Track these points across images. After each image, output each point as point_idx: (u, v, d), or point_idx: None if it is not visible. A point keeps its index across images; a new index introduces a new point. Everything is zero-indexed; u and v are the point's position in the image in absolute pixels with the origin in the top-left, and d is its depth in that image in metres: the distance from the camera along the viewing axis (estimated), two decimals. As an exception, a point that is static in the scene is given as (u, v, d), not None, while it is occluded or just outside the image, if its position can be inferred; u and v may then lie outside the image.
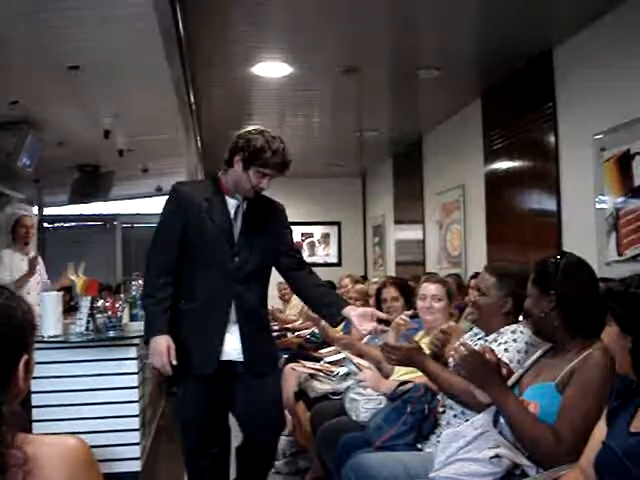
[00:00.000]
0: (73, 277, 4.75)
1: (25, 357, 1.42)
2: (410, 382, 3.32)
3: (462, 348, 2.33)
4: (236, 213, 3.27)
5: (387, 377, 3.77)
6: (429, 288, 3.90)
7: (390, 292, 4.63)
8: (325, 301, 3.40)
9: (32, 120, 5.96)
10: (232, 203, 3.27)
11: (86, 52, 4.58)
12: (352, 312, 3.23)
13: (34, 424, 4.11)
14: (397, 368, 3.72)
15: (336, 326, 3.63)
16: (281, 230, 3.45)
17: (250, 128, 3.22)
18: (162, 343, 3.07)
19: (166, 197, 3.35)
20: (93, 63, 4.76)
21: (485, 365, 2.27)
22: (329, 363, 4.77)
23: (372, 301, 5.13)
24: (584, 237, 4.91)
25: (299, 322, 7.86)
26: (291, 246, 3.51)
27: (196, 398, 3.22)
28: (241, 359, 3.20)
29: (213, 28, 4.99)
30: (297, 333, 7.38)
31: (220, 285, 3.21)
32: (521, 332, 2.82)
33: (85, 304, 4.42)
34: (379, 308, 4.48)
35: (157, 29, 4.20)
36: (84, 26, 4.18)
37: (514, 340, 2.79)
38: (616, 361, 1.91)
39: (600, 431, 1.91)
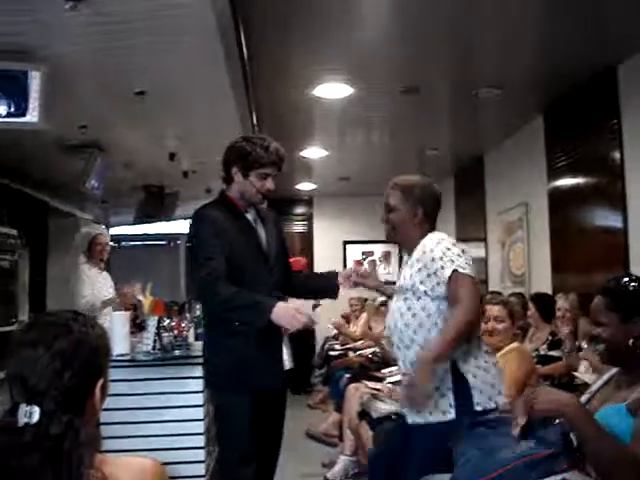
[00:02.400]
0: (140, 297, 4.85)
1: (101, 381, 1.47)
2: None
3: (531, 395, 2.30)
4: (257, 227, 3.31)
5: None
6: (491, 310, 3.87)
7: None
8: (321, 280, 3.52)
9: (100, 143, 6.12)
10: (250, 218, 3.29)
11: (152, 78, 4.69)
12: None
13: (101, 441, 4.18)
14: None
15: (335, 296, 3.50)
16: (283, 237, 3.53)
17: (231, 142, 3.26)
18: (285, 304, 3.03)
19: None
20: (159, 88, 4.87)
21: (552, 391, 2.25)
22: (391, 384, 4.76)
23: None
24: (652, 256, 4.82)
25: (361, 342, 7.85)
26: (287, 251, 3.58)
27: (257, 416, 3.18)
28: (292, 367, 3.29)
29: (275, 50, 5.08)
30: (359, 352, 7.37)
31: None
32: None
33: (152, 323, 4.50)
34: None
35: (221, 54, 4.29)
36: (150, 53, 4.28)
37: (432, 259, 2.82)
38: None
39: None
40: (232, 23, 4.07)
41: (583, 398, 2.46)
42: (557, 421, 2.26)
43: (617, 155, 5.35)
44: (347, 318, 9.46)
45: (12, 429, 1.38)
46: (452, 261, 2.76)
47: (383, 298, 8.06)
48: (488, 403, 2.79)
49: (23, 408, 1.38)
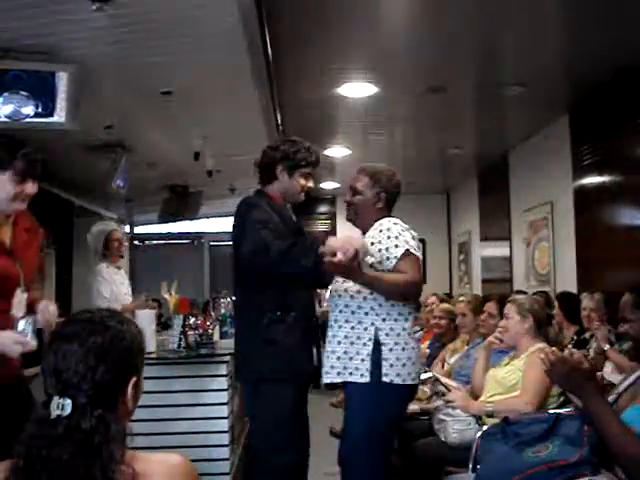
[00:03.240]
0: (166, 296, 4.87)
1: (134, 379, 1.49)
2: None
3: (551, 355, 2.31)
4: None
5: (476, 398, 3.72)
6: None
7: (491, 307, 4.57)
8: None
9: (126, 143, 6.17)
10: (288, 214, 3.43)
11: (177, 78, 4.73)
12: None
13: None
14: (489, 388, 3.66)
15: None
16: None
17: (272, 144, 3.46)
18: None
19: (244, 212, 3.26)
20: (184, 89, 4.90)
21: (577, 372, 2.25)
22: (417, 382, 4.73)
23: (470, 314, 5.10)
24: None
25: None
26: None
27: (298, 405, 3.26)
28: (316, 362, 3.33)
29: (300, 51, 5.10)
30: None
31: (307, 294, 3.36)
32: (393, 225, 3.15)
33: (178, 322, 4.53)
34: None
35: (246, 53, 4.31)
36: (175, 53, 4.31)
37: (388, 237, 3.09)
38: None
39: None
40: (257, 22, 4.09)
41: (610, 398, 2.44)
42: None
43: (644, 152, 5.30)
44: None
45: (45, 421, 1.40)
46: (406, 242, 3.07)
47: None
48: (396, 378, 3.01)
49: (56, 400, 1.41)
